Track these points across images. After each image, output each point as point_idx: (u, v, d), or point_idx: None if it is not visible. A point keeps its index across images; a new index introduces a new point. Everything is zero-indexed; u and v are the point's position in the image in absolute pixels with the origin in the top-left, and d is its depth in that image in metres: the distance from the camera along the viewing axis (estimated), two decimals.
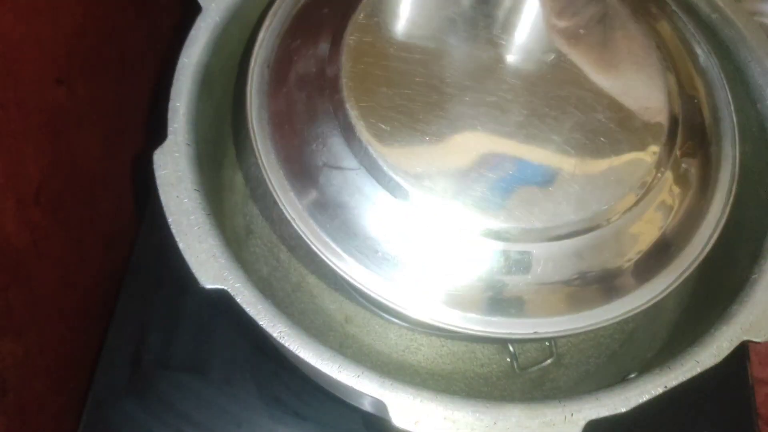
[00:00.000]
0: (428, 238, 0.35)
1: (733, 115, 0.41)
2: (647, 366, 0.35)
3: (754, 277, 0.37)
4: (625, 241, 0.36)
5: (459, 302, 0.35)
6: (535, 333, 0.35)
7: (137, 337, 0.51)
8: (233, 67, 0.44)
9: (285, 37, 0.41)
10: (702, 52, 0.43)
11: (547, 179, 0.35)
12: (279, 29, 0.42)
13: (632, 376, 0.34)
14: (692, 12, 0.45)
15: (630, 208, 0.36)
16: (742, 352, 0.52)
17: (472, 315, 0.35)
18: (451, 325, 0.35)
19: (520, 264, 0.35)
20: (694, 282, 0.39)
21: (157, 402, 0.49)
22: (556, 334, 0.35)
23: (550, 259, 0.35)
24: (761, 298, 0.36)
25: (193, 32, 0.41)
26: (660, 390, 0.34)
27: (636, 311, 0.36)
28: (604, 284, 0.36)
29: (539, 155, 0.36)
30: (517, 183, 0.35)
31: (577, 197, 0.35)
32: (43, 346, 0.45)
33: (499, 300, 0.35)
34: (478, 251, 0.35)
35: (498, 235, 0.34)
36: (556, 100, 0.37)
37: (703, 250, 0.38)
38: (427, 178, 0.35)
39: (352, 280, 0.35)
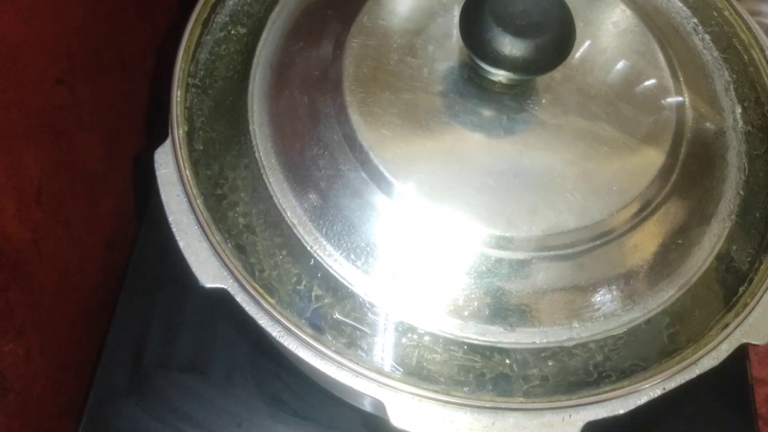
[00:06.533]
0: (429, 245, 0.35)
1: (740, 121, 0.41)
2: (646, 367, 0.35)
3: (753, 278, 0.37)
4: (626, 251, 0.36)
5: (458, 311, 0.35)
6: (533, 343, 0.35)
7: (137, 337, 0.51)
8: (233, 66, 0.44)
9: (288, 38, 0.41)
10: (711, 57, 0.43)
11: (548, 188, 0.35)
12: (282, 30, 0.42)
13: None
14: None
15: (632, 218, 0.36)
16: (742, 352, 0.52)
17: (472, 323, 0.35)
18: (450, 334, 0.35)
19: (520, 273, 0.35)
20: (693, 283, 0.39)
21: (157, 402, 0.49)
22: (555, 344, 0.35)
23: (551, 269, 0.35)
24: (760, 300, 0.36)
25: (191, 30, 0.41)
26: (658, 392, 0.34)
27: (636, 323, 0.36)
28: (604, 294, 0.36)
29: (542, 164, 0.36)
30: (518, 191, 0.35)
31: (578, 206, 0.35)
32: (43, 346, 0.45)
33: (498, 309, 0.35)
34: (479, 259, 0.35)
35: (499, 244, 0.34)
36: (559, 107, 0.37)
37: (705, 260, 0.38)
38: (429, 185, 0.35)
39: (351, 287, 0.35)
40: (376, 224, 0.35)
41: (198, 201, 0.36)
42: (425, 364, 0.34)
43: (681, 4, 0.45)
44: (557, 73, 0.37)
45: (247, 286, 0.34)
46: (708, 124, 0.40)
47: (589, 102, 0.38)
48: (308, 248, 0.36)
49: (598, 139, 0.37)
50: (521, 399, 0.33)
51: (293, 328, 0.34)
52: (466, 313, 0.35)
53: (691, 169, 0.38)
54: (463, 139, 0.36)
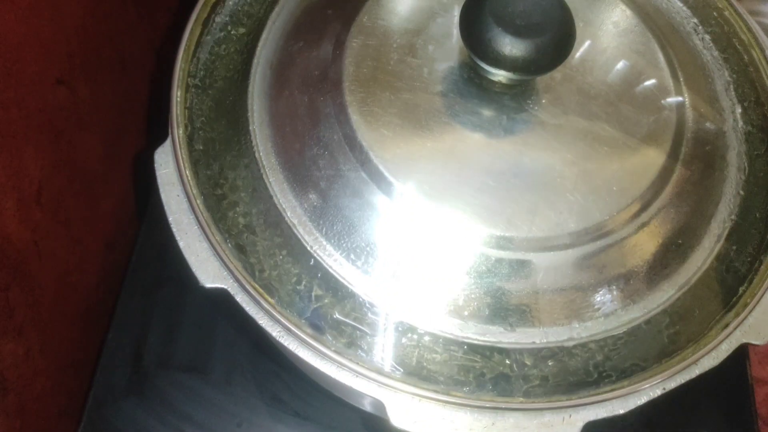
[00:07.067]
0: (429, 245, 0.35)
1: (740, 121, 0.41)
2: (646, 367, 0.35)
3: (753, 278, 0.37)
4: (626, 251, 0.36)
5: (458, 311, 0.35)
6: (533, 343, 0.35)
7: (137, 337, 0.51)
8: (233, 66, 0.44)
9: (288, 38, 0.41)
10: (711, 57, 0.43)
11: (548, 188, 0.35)
12: (282, 30, 0.42)
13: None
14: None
15: (632, 218, 0.36)
16: (742, 351, 0.52)
17: (472, 323, 0.35)
18: (450, 334, 0.35)
19: (520, 273, 0.35)
20: (693, 283, 0.39)
21: (157, 402, 0.49)
22: (555, 344, 0.35)
23: (551, 269, 0.35)
24: (760, 301, 0.36)
25: (191, 30, 0.41)
26: (658, 392, 0.34)
27: (636, 323, 0.36)
28: (604, 295, 0.36)
29: (542, 164, 0.36)
30: (518, 191, 0.35)
31: (579, 207, 0.35)
32: (43, 346, 0.45)
33: (498, 309, 0.35)
34: (479, 259, 0.35)
35: (499, 244, 0.34)
36: (559, 107, 0.37)
37: (705, 260, 0.38)
38: (429, 185, 0.35)
39: (351, 287, 0.35)
40: (376, 224, 0.35)
41: (198, 201, 0.36)
42: (425, 364, 0.34)
43: (681, 4, 0.45)
44: (557, 73, 0.37)
45: (247, 286, 0.34)
46: (708, 124, 0.40)
47: (589, 102, 0.38)
48: (308, 248, 0.36)
49: (598, 139, 0.37)
50: (521, 399, 0.33)
51: (293, 328, 0.34)
52: (466, 313, 0.35)
53: (691, 169, 0.38)
54: (463, 139, 0.36)
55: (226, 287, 0.35)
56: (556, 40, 0.34)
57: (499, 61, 0.34)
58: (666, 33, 0.42)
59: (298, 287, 0.36)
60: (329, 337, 0.34)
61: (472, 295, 0.35)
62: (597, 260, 0.35)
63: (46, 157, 0.43)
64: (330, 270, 0.36)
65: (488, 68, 0.35)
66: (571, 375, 0.35)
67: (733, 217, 0.39)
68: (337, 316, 0.36)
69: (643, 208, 0.36)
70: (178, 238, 0.36)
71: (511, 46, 0.33)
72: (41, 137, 0.42)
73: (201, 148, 0.39)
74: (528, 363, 0.35)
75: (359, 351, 0.34)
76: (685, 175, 0.38)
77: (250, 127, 0.39)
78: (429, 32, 0.39)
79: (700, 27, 0.44)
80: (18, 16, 0.38)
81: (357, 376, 0.33)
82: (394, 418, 0.33)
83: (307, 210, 0.36)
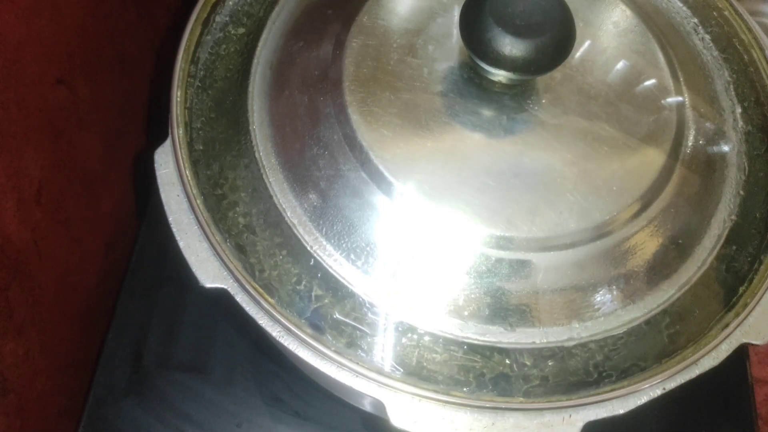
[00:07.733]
0: (429, 245, 0.35)
1: (740, 121, 0.41)
2: (646, 367, 0.35)
3: (753, 278, 0.37)
4: (626, 251, 0.36)
5: (458, 311, 0.35)
6: (533, 343, 0.35)
7: (137, 337, 0.51)
8: (233, 66, 0.44)
9: (288, 38, 0.41)
10: (711, 57, 0.43)
11: (548, 188, 0.35)
12: (282, 30, 0.42)
13: None
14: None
15: (632, 218, 0.36)
16: (742, 351, 0.52)
17: (472, 323, 0.35)
18: (450, 334, 0.35)
19: (520, 273, 0.35)
20: (693, 283, 0.39)
21: (157, 402, 0.49)
22: (555, 344, 0.35)
23: (551, 269, 0.35)
24: (760, 301, 0.36)
25: (191, 30, 0.41)
26: (658, 392, 0.34)
27: (636, 323, 0.36)
28: (604, 294, 0.36)
29: (542, 164, 0.36)
30: (518, 191, 0.35)
31: (579, 207, 0.35)
32: (43, 346, 0.45)
33: (498, 309, 0.35)
34: (479, 259, 0.35)
35: (499, 244, 0.34)
36: (559, 107, 0.37)
37: (705, 260, 0.38)
38: (429, 185, 0.35)
39: (351, 287, 0.35)
40: (376, 224, 0.35)
41: (198, 201, 0.36)
42: (425, 364, 0.34)
43: (681, 4, 0.45)
44: (557, 73, 0.38)
45: (247, 286, 0.34)
46: (708, 124, 0.40)
47: (589, 102, 0.38)
48: (308, 248, 0.36)
49: (598, 139, 0.37)
50: (521, 399, 0.33)
51: (293, 328, 0.34)
52: (466, 313, 0.35)
53: (691, 169, 0.38)
54: (463, 139, 0.36)
55: (226, 287, 0.35)
56: (556, 40, 0.34)
57: (499, 61, 0.34)
58: (666, 33, 0.42)
59: (298, 287, 0.36)
60: (329, 337, 0.34)
61: (472, 295, 0.35)
62: (597, 260, 0.35)
63: (46, 157, 0.43)
64: (330, 270, 0.36)
65: (488, 68, 0.35)
66: (571, 375, 0.35)
67: (733, 217, 0.39)
68: (337, 316, 0.36)
69: (643, 208, 0.36)
70: (178, 238, 0.36)
71: (511, 46, 0.33)
72: (41, 137, 0.42)
73: (201, 148, 0.39)
74: (528, 363, 0.34)
75: (359, 351, 0.34)
76: (685, 175, 0.38)
77: (250, 127, 0.39)
78: (429, 32, 0.39)
79: (700, 27, 0.44)
80: (18, 16, 0.38)
81: (357, 376, 0.33)
82: (394, 418, 0.33)
83: (307, 210, 0.36)
